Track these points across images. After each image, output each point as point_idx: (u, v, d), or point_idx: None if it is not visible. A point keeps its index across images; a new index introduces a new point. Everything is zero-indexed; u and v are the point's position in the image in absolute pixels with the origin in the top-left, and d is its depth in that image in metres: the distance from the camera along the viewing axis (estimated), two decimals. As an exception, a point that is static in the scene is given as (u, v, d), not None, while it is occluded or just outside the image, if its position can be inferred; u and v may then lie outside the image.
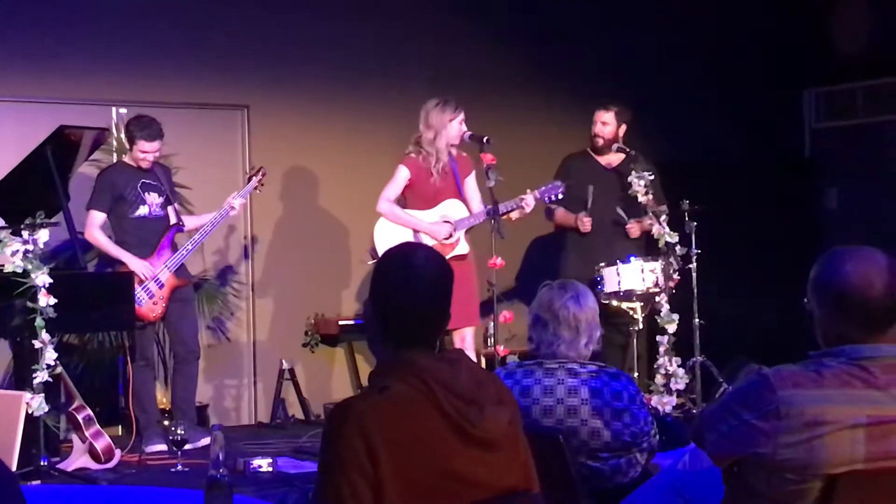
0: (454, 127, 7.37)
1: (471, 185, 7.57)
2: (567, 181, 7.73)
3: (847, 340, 2.95)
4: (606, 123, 8.11)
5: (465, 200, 7.48)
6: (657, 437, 4.37)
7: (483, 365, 8.46)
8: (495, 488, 2.68)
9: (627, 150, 8.00)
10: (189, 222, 7.59)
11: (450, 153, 7.45)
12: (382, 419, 2.59)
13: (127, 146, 7.41)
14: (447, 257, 7.16)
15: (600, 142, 8.13)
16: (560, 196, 7.62)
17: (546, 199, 7.59)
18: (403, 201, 7.52)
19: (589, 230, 8.00)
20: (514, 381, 4.30)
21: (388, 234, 7.35)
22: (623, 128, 8.14)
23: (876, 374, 2.90)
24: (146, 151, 7.27)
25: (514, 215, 7.55)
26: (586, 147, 8.28)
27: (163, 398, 7.91)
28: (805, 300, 3.05)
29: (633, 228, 8.01)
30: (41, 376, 6.27)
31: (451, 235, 7.41)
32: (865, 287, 2.91)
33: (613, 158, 8.20)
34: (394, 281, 2.80)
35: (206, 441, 7.31)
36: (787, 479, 2.89)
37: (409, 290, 2.77)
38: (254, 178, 7.81)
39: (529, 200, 7.47)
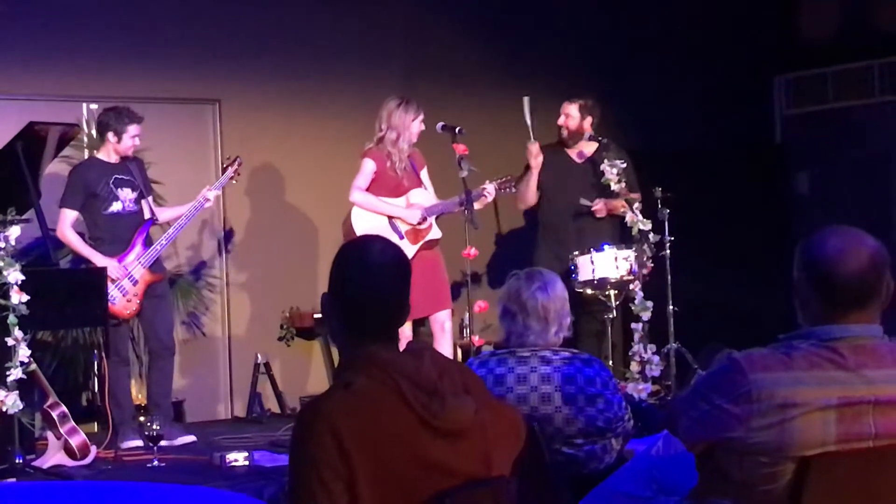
0: (415, 126, 7.48)
1: (426, 178, 7.70)
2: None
3: (814, 316, 2.96)
4: (570, 116, 8.18)
5: (426, 190, 7.63)
6: (631, 422, 4.39)
7: (458, 355, 8.48)
8: (468, 475, 2.68)
9: (599, 138, 8.03)
10: (163, 214, 7.56)
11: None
12: (350, 415, 2.58)
13: (111, 139, 7.31)
14: (422, 241, 7.37)
15: (564, 133, 8.20)
16: (513, 189, 7.85)
17: (503, 190, 7.74)
18: (370, 193, 7.57)
19: (535, 156, 8.10)
20: (488, 370, 4.31)
21: (365, 222, 7.45)
22: (588, 120, 8.17)
23: (845, 354, 2.91)
24: (136, 135, 7.27)
25: (477, 205, 7.65)
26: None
27: (138, 394, 7.88)
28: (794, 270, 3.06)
29: (600, 208, 8.02)
30: (15, 374, 6.24)
31: (424, 220, 7.48)
32: (838, 263, 2.92)
33: (586, 149, 8.20)
34: (350, 273, 2.78)
35: (183, 440, 7.31)
36: (760, 462, 2.90)
37: (367, 283, 2.76)
38: (229, 168, 7.78)
39: (490, 189, 7.63)
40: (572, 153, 8.24)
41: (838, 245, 2.95)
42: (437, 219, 7.58)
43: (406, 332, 7.26)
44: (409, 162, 7.56)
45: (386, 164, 7.49)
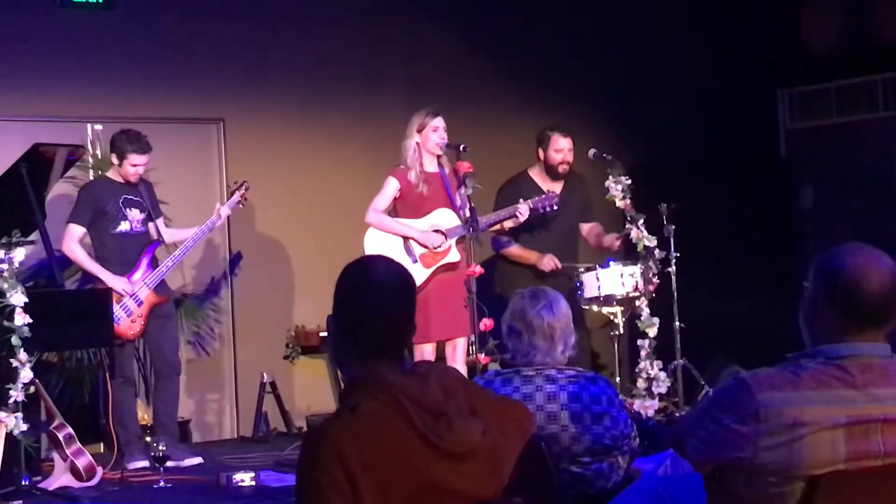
0: (431, 134, 7.31)
1: (463, 195, 7.34)
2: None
3: (827, 331, 2.95)
4: (571, 149, 7.94)
5: (456, 210, 7.40)
6: (637, 440, 4.38)
7: (465, 374, 8.44)
8: (474, 497, 2.67)
9: (604, 155, 7.97)
10: (172, 236, 7.57)
11: (440, 164, 7.42)
12: (356, 440, 2.57)
13: (115, 161, 7.33)
14: (437, 265, 7.28)
15: (564, 168, 7.98)
16: (555, 207, 7.61)
17: (540, 208, 7.58)
18: (394, 212, 7.47)
19: (549, 270, 7.86)
20: (493, 390, 4.29)
21: (379, 244, 7.30)
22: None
23: (853, 373, 2.90)
24: (137, 164, 7.26)
25: (508, 224, 7.61)
26: (525, 170, 8.09)
27: (144, 414, 7.88)
28: (805, 283, 3.04)
29: (613, 241, 7.93)
30: (16, 395, 6.24)
31: (440, 244, 7.34)
32: (861, 280, 2.91)
33: (556, 187, 8.01)
34: (355, 293, 2.76)
35: (190, 462, 7.30)
36: (769, 482, 2.89)
37: (371, 303, 2.74)
38: (236, 192, 7.78)
39: (523, 209, 7.49)
40: (555, 188, 7.96)
41: (860, 262, 2.93)
42: (457, 241, 7.37)
43: (427, 353, 7.19)
44: (441, 176, 7.38)
45: (411, 182, 7.32)
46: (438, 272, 7.31)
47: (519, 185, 7.97)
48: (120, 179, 7.35)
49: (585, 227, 8.18)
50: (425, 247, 7.32)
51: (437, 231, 7.36)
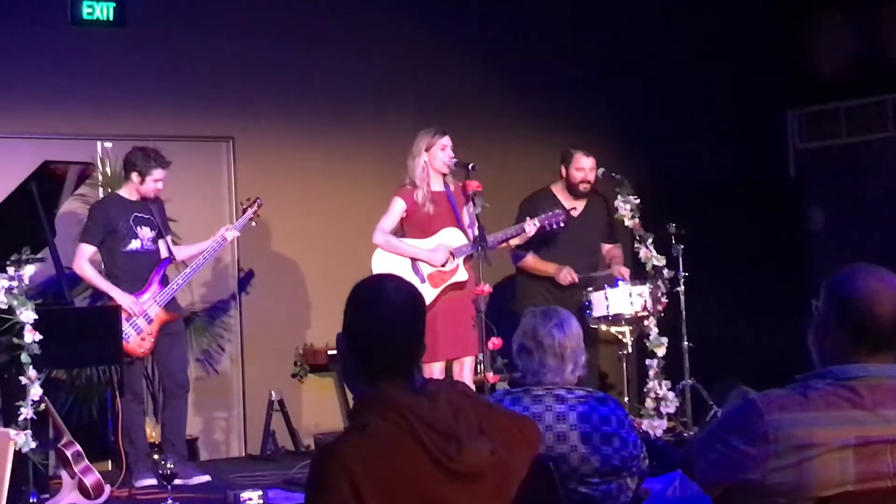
0: (438, 153, 7.32)
1: (470, 212, 7.35)
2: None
3: (837, 352, 2.94)
4: (594, 168, 7.96)
5: (463, 229, 7.41)
6: (646, 461, 4.36)
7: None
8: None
9: (613, 174, 7.98)
10: (181, 253, 7.58)
11: (446, 183, 7.42)
12: (366, 460, 2.56)
13: (136, 179, 7.34)
14: (445, 284, 7.28)
15: (585, 187, 8.00)
16: (562, 224, 7.61)
17: (547, 225, 7.58)
18: (401, 232, 7.47)
19: (567, 283, 7.89)
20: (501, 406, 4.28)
21: (386, 265, 7.29)
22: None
23: (863, 394, 2.89)
24: (159, 179, 7.30)
25: (515, 241, 7.61)
26: (548, 186, 8.12)
27: (152, 432, 7.88)
28: (814, 302, 3.04)
29: (623, 273, 7.94)
30: (26, 413, 6.24)
31: (447, 262, 7.33)
32: (875, 303, 2.91)
33: (579, 205, 8.08)
34: (364, 313, 2.75)
35: (198, 480, 7.29)
36: (778, 504, 2.88)
37: (381, 322, 2.73)
38: (248, 209, 7.78)
39: (530, 227, 7.51)
40: (577, 206, 8.04)
41: (872, 285, 2.93)
42: (465, 259, 7.36)
43: (436, 372, 7.18)
44: (447, 195, 7.37)
45: (418, 202, 7.32)
46: (446, 291, 7.31)
47: (540, 200, 7.99)
48: (131, 197, 7.37)
49: (605, 248, 8.19)
50: (433, 266, 7.31)
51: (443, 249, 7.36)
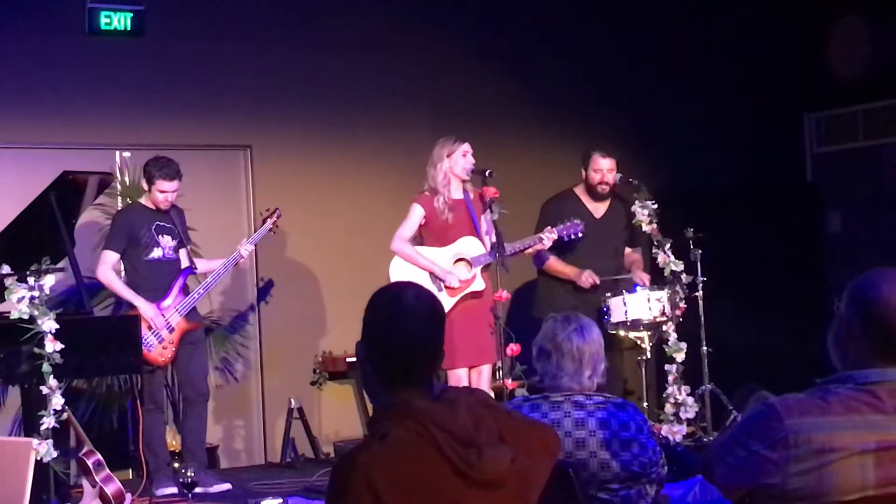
0: (458, 160, 7.32)
1: (488, 221, 7.39)
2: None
3: (859, 357, 2.94)
4: (612, 170, 7.92)
5: (481, 237, 7.40)
6: (665, 467, 4.36)
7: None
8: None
9: (630, 179, 7.97)
10: (200, 266, 7.60)
11: (465, 190, 7.42)
12: (386, 468, 2.57)
13: (145, 187, 7.38)
14: (461, 294, 7.26)
15: (605, 188, 7.97)
16: (580, 235, 7.60)
17: (565, 236, 7.58)
18: (420, 239, 7.46)
19: (588, 286, 7.87)
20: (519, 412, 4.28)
21: (405, 272, 7.27)
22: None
23: (883, 398, 2.89)
24: (164, 191, 7.28)
25: (531, 251, 7.60)
26: (572, 188, 8.11)
27: (172, 441, 7.90)
28: (836, 302, 3.03)
29: (642, 279, 7.93)
30: (48, 422, 6.26)
31: (460, 281, 7.30)
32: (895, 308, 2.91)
33: (601, 207, 8.09)
34: (384, 321, 2.77)
35: (218, 488, 7.30)
36: (798, 509, 2.88)
37: (400, 330, 2.74)
38: (268, 220, 7.79)
39: (546, 237, 7.49)
40: (599, 208, 8.06)
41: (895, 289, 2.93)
42: (483, 268, 7.35)
43: (462, 378, 7.17)
44: (465, 203, 7.36)
45: (436, 210, 7.32)
46: (463, 300, 7.30)
47: (564, 201, 8.00)
48: (152, 206, 7.39)
49: (626, 252, 8.18)
50: (447, 286, 7.28)
51: (461, 260, 7.35)
